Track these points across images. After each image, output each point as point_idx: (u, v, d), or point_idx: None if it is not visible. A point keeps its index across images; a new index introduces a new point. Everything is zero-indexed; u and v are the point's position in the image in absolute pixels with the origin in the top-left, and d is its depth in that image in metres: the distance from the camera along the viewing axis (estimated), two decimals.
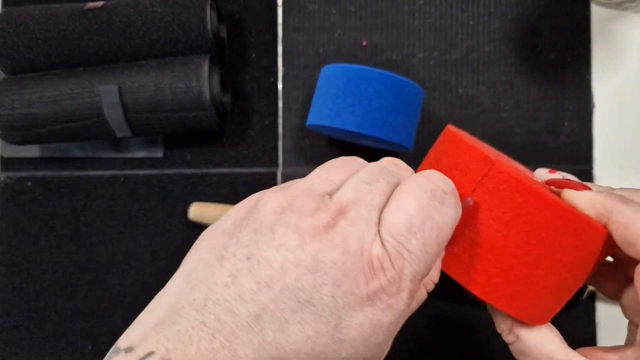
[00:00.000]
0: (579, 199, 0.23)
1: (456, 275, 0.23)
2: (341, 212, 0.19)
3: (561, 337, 0.24)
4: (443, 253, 0.23)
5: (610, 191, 0.24)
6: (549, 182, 0.25)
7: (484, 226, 0.22)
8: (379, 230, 0.18)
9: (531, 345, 0.24)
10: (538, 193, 0.21)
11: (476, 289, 0.23)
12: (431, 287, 0.24)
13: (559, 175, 0.26)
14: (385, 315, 0.18)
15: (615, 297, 0.26)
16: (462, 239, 0.22)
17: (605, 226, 0.22)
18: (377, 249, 0.18)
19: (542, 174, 0.26)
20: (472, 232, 0.22)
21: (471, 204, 0.22)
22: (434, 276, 0.23)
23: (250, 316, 0.17)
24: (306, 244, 0.18)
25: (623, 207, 0.21)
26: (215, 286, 0.18)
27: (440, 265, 0.23)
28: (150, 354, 0.16)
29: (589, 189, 0.23)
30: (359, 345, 0.18)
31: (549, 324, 0.25)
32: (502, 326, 0.25)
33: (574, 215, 0.21)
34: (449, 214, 0.19)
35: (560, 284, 0.23)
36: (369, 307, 0.17)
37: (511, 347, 0.25)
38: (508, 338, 0.25)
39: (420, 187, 0.19)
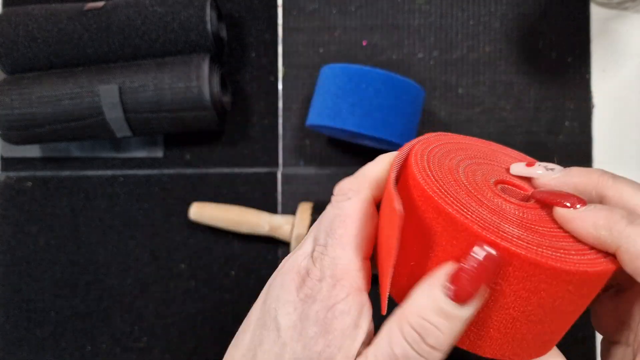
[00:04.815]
0: (578, 222, 0.19)
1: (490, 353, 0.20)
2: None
3: None
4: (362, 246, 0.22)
5: (604, 206, 0.19)
6: (535, 197, 0.21)
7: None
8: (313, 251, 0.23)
9: None
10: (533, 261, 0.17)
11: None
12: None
13: (539, 168, 0.22)
14: (310, 306, 0.21)
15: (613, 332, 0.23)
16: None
17: (611, 253, 0.18)
18: (304, 261, 0.22)
19: (519, 168, 0.23)
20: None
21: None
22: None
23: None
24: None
25: (633, 230, 0.17)
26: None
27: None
28: None
29: (585, 202, 0.19)
30: (294, 341, 0.21)
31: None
32: None
33: (575, 272, 0.17)
34: (343, 206, 0.22)
35: (560, 329, 0.20)
36: (300, 305, 0.21)
37: None
38: None
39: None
